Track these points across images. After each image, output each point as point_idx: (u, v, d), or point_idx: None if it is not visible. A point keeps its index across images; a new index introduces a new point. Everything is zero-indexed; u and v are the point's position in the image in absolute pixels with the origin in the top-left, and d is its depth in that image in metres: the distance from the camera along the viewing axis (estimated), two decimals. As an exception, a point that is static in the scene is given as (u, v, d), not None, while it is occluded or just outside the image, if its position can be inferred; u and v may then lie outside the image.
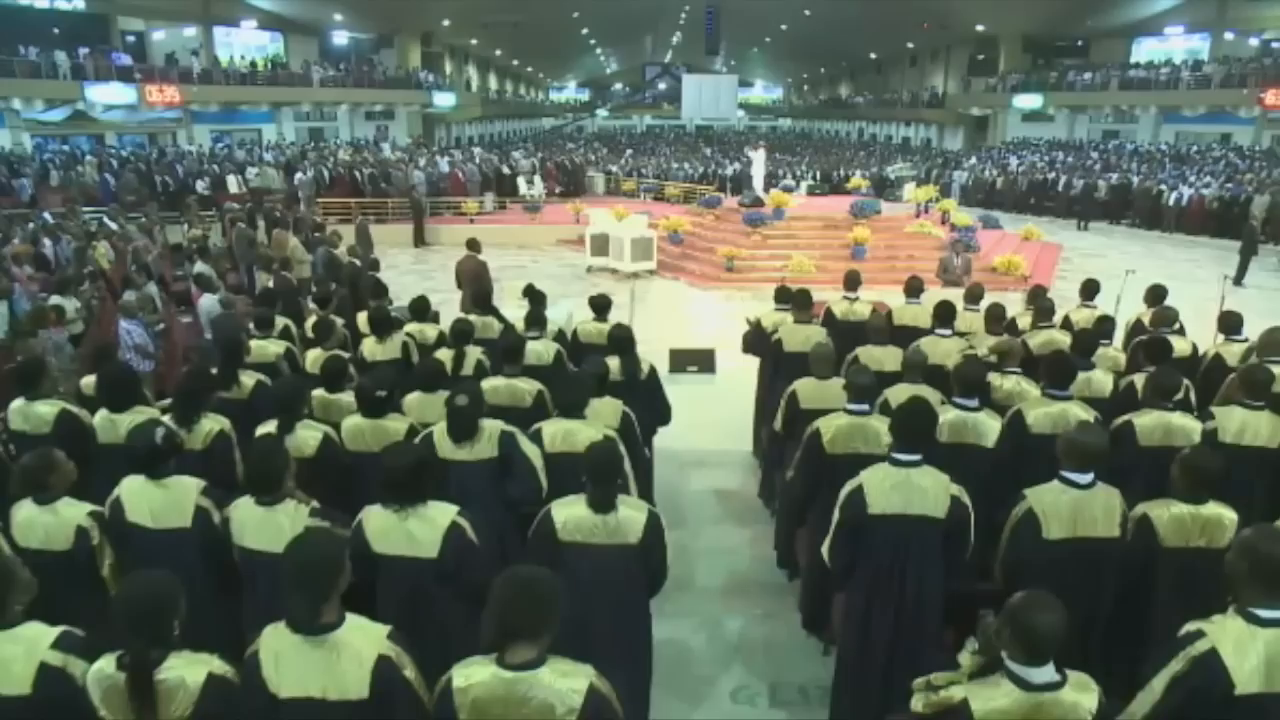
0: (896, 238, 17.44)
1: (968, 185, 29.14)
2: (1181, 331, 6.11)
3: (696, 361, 10.05)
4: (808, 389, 4.87)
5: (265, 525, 3.16)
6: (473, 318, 6.52)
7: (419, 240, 20.38)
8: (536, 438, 4.10)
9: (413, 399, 4.71)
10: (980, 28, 39.42)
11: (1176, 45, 36.70)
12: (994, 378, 4.82)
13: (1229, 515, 3.20)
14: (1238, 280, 16.19)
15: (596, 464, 3.16)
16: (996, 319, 5.96)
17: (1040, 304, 6.20)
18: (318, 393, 4.99)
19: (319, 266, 12.63)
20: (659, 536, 3.24)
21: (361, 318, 6.93)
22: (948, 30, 40.75)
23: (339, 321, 6.94)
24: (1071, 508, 3.19)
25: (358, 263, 10.80)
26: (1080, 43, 39.91)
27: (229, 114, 34.56)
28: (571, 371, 4.44)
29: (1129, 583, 3.28)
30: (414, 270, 17.46)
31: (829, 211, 18.53)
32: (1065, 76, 36.72)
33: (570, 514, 3.16)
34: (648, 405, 5.53)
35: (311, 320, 6.73)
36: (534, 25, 42.87)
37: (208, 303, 8.57)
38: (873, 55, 52.84)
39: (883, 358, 5.67)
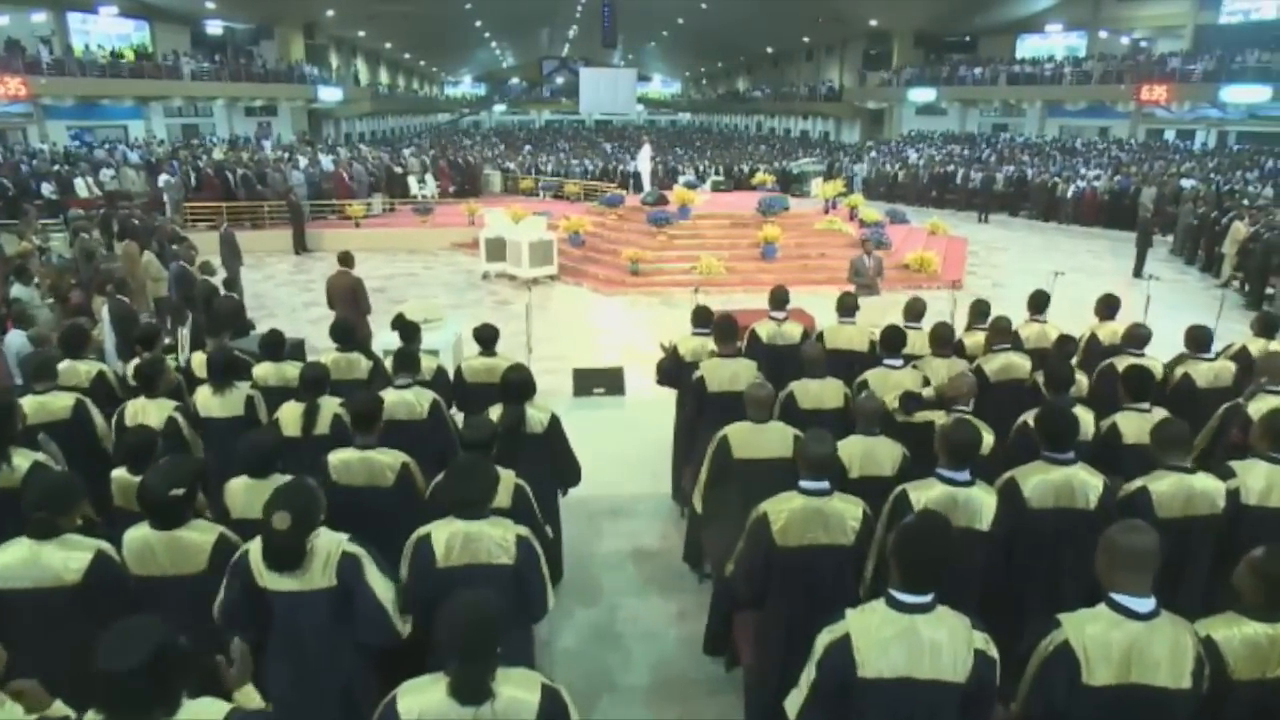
0: (806, 235, 16.91)
1: (869, 178, 29.13)
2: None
3: (603, 382, 9.09)
4: (741, 435, 3.98)
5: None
6: (332, 356, 5.38)
7: (299, 247, 18.71)
8: (425, 548, 3.02)
9: (236, 487, 3.58)
10: (873, 23, 39.99)
11: (1057, 42, 38.21)
12: (933, 415, 4.07)
13: (1313, 633, 2.44)
14: (1137, 272, 16.34)
15: (469, 630, 2.13)
16: (944, 341, 5.19)
17: (998, 323, 5.43)
18: (118, 474, 3.83)
19: (173, 285, 11.10)
20: None
21: (199, 359, 5.67)
22: (842, 25, 41.12)
23: (170, 365, 5.69)
24: (1124, 645, 2.32)
25: (212, 280, 9.36)
26: (968, 39, 40.99)
27: (89, 109, 31.73)
28: (468, 459, 3.27)
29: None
30: (292, 281, 15.91)
31: (736, 209, 17.85)
32: (956, 71, 37.54)
33: (425, 705, 2.13)
34: (552, 464, 4.56)
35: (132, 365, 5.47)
36: (424, 17, 41.17)
37: (16, 340, 7.04)
38: (769, 49, 53.04)
39: (821, 393, 4.85)
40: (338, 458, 3.77)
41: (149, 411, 4.55)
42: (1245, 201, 18.62)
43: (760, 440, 4.12)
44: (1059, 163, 27.83)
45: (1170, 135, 33.85)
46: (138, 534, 3.04)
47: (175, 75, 32.28)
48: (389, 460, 3.79)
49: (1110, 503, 3.31)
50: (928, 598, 2.34)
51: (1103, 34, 36.09)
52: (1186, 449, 3.43)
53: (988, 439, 4.10)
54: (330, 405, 4.56)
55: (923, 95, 38.86)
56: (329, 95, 39.45)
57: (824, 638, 2.37)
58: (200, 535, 3.07)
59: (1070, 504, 3.33)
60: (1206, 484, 3.37)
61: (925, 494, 3.21)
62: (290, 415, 4.56)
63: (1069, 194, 23.72)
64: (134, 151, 26.28)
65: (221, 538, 3.08)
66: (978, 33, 40.20)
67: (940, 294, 12.23)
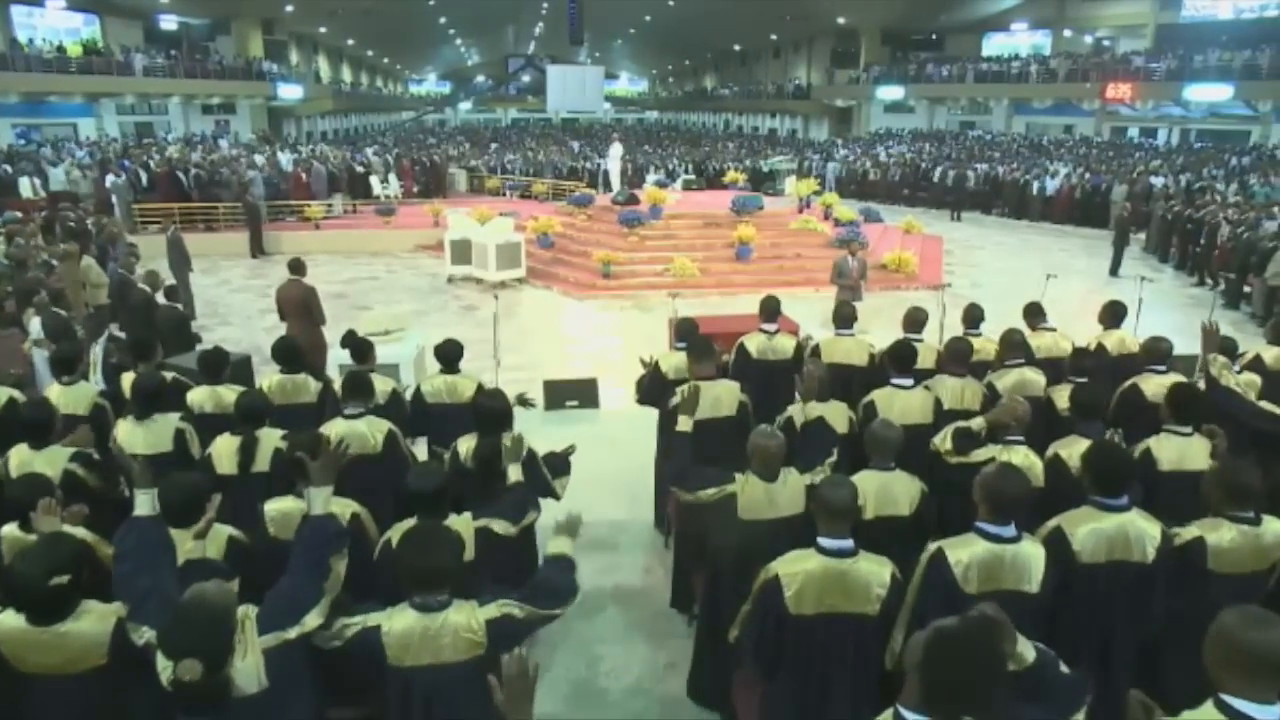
0: (781, 235, 16.52)
1: (841, 176, 28.89)
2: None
3: (576, 394, 8.60)
4: (751, 496, 3.46)
5: None
6: (276, 378, 4.83)
7: (256, 250, 17.94)
8: (374, 646, 2.50)
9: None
10: (841, 20, 39.90)
11: (1022, 40, 38.52)
12: (990, 451, 3.64)
13: None
14: (1113, 271, 16.19)
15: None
16: (960, 357, 4.72)
17: (1010, 336, 4.98)
18: (8, 531, 3.25)
19: (114, 293, 10.39)
20: None
21: (129, 380, 5.05)
22: (809, 23, 41.00)
23: (93, 390, 5.08)
24: (1248, 764, 1.88)
25: (149, 289, 8.69)
26: (935, 36, 41.12)
27: (35, 105, 30.59)
28: (424, 529, 2.79)
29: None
30: (249, 286, 15.17)
31: (709, 209, 17.41)
32: (924, 69, 37.57)
33: None
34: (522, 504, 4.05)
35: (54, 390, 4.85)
36: (387, 13, 40.37)
37: (-72, 357, 6.41)
38: (736, 47, 52.85)
39: (823, 417, 4.39)
40: (275, 508, 3.24)
41: (36, 465, 3.78)
42: (1218, 199, 18.55)
43: (772, 499, 3.53)
44: (1027, 159, 27.83)
45: (1134, 133, 34.13)
46: (11, 626, 2.45)
47: (127, 71, 31.20)
48: (337, 510, 3.25)
49: (1170, 553, 2.89)
50: None
51: (1067, 33, 36.39)
52: (1256, 499, 2.96)
53: (1039, 465, 3.73)
54: (271, 438, 4.02)
55: (891, 93, 38.94)
56: (289, 93, 38.52)
57: None
58: (93, 625, 2.50)
59: (1126, 556, 2.89)
60: (1276, 530, 2.94)
61: (965, 552, 2.75)
62: (225, 450, 4.02)
63: (1041, 191, 23.64)
64: (81, 150, 25.23)
65: (121, 625, 2.51)
66: (944, 30, 40.41)
67: (926, 295, 11.90)
